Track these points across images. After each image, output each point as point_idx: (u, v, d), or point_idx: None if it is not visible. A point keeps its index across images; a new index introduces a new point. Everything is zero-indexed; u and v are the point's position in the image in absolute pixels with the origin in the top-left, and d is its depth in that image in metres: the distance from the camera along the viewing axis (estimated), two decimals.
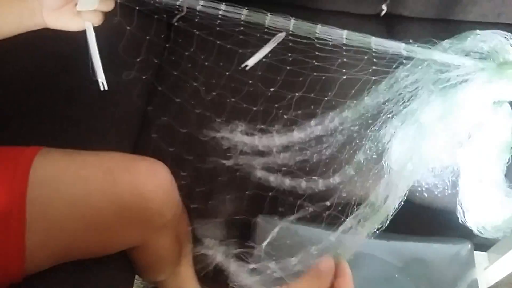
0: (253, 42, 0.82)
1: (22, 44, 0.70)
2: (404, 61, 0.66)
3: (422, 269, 0.89)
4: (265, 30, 0.68)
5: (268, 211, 0.85)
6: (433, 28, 1.15)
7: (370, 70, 0.70)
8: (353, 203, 0.66)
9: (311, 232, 0.80)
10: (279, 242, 0.76)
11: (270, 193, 0.82)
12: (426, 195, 0.84)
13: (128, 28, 0.73)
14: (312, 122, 0.78)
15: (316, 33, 0.64)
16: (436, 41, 0.67)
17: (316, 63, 0.76)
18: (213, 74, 0.89)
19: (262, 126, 0.82)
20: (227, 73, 0.87)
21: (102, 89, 0.71)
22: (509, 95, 0.67)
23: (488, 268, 0.97)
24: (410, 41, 0.65)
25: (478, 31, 0.66)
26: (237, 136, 0.81)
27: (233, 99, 0.85)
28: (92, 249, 0.71)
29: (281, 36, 0.86)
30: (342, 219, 0.65)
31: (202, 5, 0.67)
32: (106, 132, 0.91)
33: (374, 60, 0.68)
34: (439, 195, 0.84)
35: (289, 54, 0.80)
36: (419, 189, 0.85)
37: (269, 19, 0.66)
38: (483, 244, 0.95)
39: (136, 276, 0.95)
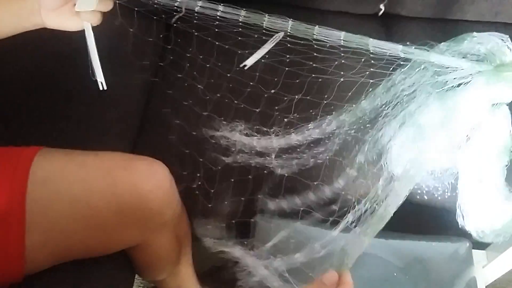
0: (251, 43, 0.83)
1: (21, 44, 0.71)
2: (402, 62, 0.67)
3: (420, 268, 0.89)
4: (263, 31, 0.68)
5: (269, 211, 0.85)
6: (430, 27, 1.15)
7: (367, 72, 0.71)
8: (356, 204, 0.67)
9: (313, 231, 0.79)
10: (280, 242, 0.77)
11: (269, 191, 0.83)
12: (426, 197, 0.85)
13: (131, 30, 0.74)
14: (310, 125, 0.78)
15: (314, 34, 0.65)
16: (433, 43, 0.67)
17: (314, 65, 0.76)
18: (212, 74, 0.89)
19: (262, 128, 0.82)
20: (228, 75, 0.87)
21: (101, 88, 0.71)
22: (507, 97, 0.67)
23: (486, 266, 0.97)
24: (408, 43, 0.65)
25: (475, 34, 0.66)
26: (236, 136, 0.81)
27: (235, 102, 0.86)
28: (92, 248, 0.72)
29: (279, 35, 0.86)
30: (345, 217, 0.66)
31: (200, 6, 0.67)
32: (105, 132, 0.91)
33: (372, 61, 0.68)
34: (439, 198, 0.85)
35: (287, 56, 0.80)
36: (419, 191, 0.85)
37: (267, 20, 0.66)
38: (481, 243, 0.96)
39: (136, 276, 0.95)
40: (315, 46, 0.67)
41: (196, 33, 0.79)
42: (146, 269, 0.90)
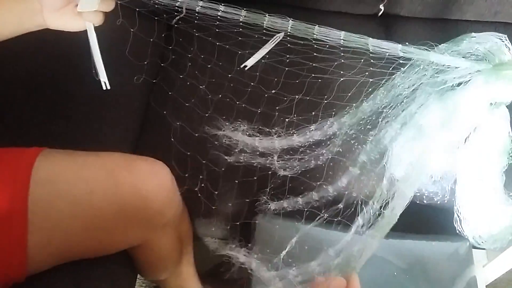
0: (252, 43, 0.83)
1: (23, 45, 0.71)
2: (402, 61, 0.67)
3: (420, 267, 0.89)
4: (264, 31, 0.68)
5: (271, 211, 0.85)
6: (430, 27, 1.15)
7: (367, 73, 0.71)
8: (363, 206, 0.67)
9: (318, 232, 0.79)
10: (281, 242, 0.77)
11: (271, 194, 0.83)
12: (425, 202, 0.85)
13: (131, 30, 0.74)
14: (312, 127, 0.79)
15: (314, 34, 0.65)
16: (432, 43, 0.68)
17: (314, 65, 0.76)
18: (212, 74, 0.89)
19: (263, 128, 0.82)
20: (230, 75, 0.87)
21: (104, 88, 0.71)
22: (506, 96, 0.67)
23: (486, 265, 0.97)
24: (407, 43, 0.65)
25: (473, 34, 0.66)
26: (239, 135, 0.81)
27: (237, 102, 0.86)
28: (94, 248, 0.72)
29: (279, 36, 0.87)
30: (355, 220, 0.66)
31: (201, 6, 0.67)
32: (107, 132, 0.91)
33: (372, 61, 0.69)
34: (438, 202, 0.85)
35: (287, 56, 0.81)
36: (418, 194, 0.85)
37: (267, 20, 0.67)
38: None
39: (138, 275, 0.95)
40: (315, 46, 0.67)
41: (197, 34, 0.79)
42: (148, 268, 0.90)
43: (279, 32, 0.68)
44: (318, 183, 0.82)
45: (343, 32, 0.64)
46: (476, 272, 0.92)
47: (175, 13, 0.70)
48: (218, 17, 0.67)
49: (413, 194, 0.67)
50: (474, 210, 0.77)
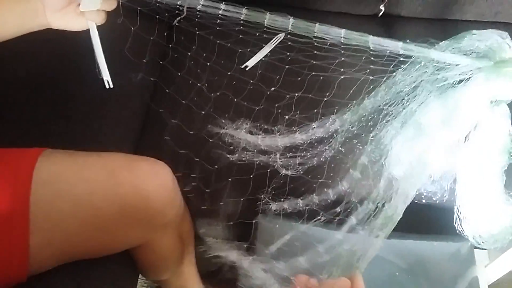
0: (253, 41, 0.83)
1: (25, 45, 0.71)
2: (402, 59, 0.67)
3: (422, 267, 0.89)
4: (264, 29, 0.69)
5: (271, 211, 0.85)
6: (430, 27, 1.15)
7: (368, 70, 0.71)
8: (359, 205, 0.67)
9: (318, 232, 0.79)
10: (284, 244, 0.77)
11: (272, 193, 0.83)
12: (424, 201, 0.84)
13: (132, 28, 0.74)
14: (314, 125, 0.78)
15: (315, 32, 0.65)
16: (433, 41, 0.68)
17: (315, 62, 0.76)
18: (214, 73, 0.89)
19: (265, 126, 0.82)
20: (229, 73, 0.87)
21: (107, 87, 0.72)
22: (506, 94, 0.67)
23: (488, 265, 0.97)
24: (408, 41, 0.65)
25: (474, 31, 0.66)
26: (241, 134, 0.81)
27: (235, 100, 0.86)
28: (95, 248, 0.72)
29: (280, 37, 0.87)
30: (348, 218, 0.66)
31: (202, 4, 0.68)
32: (108, 132, 0.91)
33: (372, 59, 0.69)
34: (437, 202, 0.85)
35: (288, 53, 0.81)
36: (417, 193, 0.85)
37: (268, 18, 0.67)
38: None
39: (140, 275, 0.95)
40: (316, 44, 0.67)
41: (198, 32, 0.79)
42: (149, 268, 0.90)
43: (280, 31, 0.68)
44: (319, 181, 0.81)
45: (343, 30, 0.64)
46: (478, 272, 0.92)
47: (176, 12, 0.70)
48: (219, 15, 0.67)
49: (415, 193, 0.67)
50: (474, 210, 0.77)
